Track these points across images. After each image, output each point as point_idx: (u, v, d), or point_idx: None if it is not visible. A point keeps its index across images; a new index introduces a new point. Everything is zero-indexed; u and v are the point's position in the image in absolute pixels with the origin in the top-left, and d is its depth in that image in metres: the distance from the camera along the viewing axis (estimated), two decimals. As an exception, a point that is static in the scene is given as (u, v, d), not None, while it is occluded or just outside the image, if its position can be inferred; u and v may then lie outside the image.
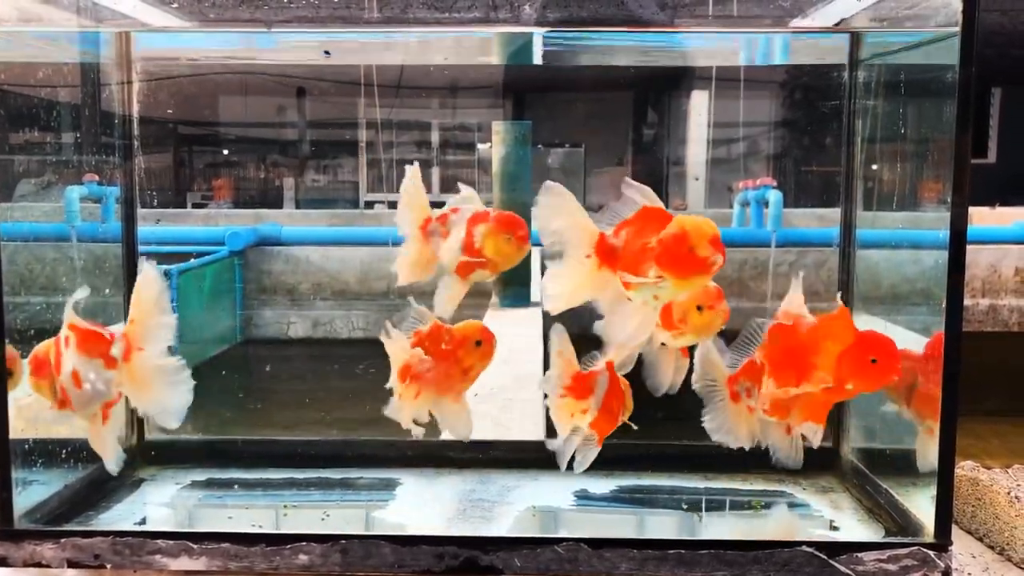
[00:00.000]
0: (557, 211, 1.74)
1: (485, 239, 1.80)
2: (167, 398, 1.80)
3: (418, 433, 1.91)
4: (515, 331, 5.33)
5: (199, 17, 1.92)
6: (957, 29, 1.62)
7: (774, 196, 8.51)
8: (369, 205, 13.95)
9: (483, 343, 1.90)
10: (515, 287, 6.66)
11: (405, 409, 1.89)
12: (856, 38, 2.20)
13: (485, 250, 1.80)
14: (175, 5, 1.87)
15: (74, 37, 2.11)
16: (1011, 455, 5.95)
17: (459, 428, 1.93)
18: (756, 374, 1.85)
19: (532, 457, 2.34)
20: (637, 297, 1.68)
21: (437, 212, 1.87)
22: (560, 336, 1.89)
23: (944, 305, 1.67)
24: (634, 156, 15.13)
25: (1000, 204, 9.26)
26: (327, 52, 2.12)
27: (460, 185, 1.89)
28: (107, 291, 2.29)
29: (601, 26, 1.95)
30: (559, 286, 1.74)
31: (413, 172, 1.86)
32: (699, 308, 1.86)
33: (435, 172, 15.26)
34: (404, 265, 1.89)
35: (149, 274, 1.78)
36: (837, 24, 2.11)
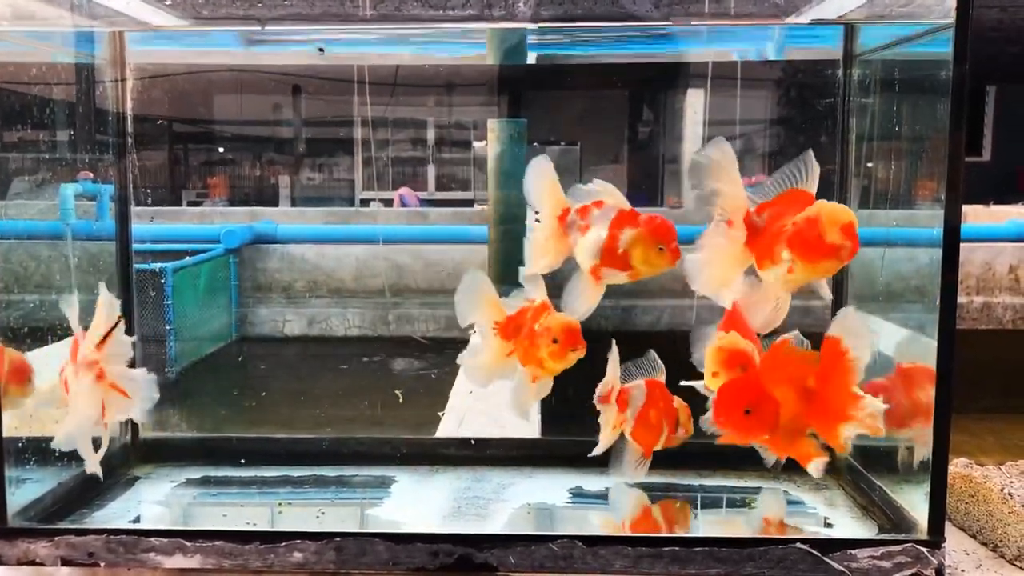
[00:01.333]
0: (719, 172, 1.66)
1: (633, 246, 1.69)
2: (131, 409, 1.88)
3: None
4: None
5: (193, 14, 1.91)
6: (951, 22, 1.62)
7: (769, 194, 8.50)
8: (365, 203, 13.94)
9: (559, 344, 1.81)
10: (511, 285, 6.66)
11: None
12: (850, 34, 2.20)
13: (632, 257, 1.69)
14: (168, 2, 1.87)
15: (68, 35, 2.11)
16: (1005, 452, 5.96)
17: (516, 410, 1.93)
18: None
19: (527, 455, 2.34)
20: (768, 278, 1.64)
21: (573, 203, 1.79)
22: (614, 347, 1.90)
23: (938, 302, 1.67)
24: (630, 154, 15.14)
25: (995, 202, 9.29)
26: (321, 49, 2.11)
27: (596, 181, 1.78)
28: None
29: (595, 23, 1.95)
30: (709, 269, 1.68)
31: (543, 159, 1.78)
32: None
33: (430, 170, 15.25)
34: (535, 253, 1.81)
35: (104, 298, 1.84)
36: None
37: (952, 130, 1.66)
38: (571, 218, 1.77)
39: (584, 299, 1.78)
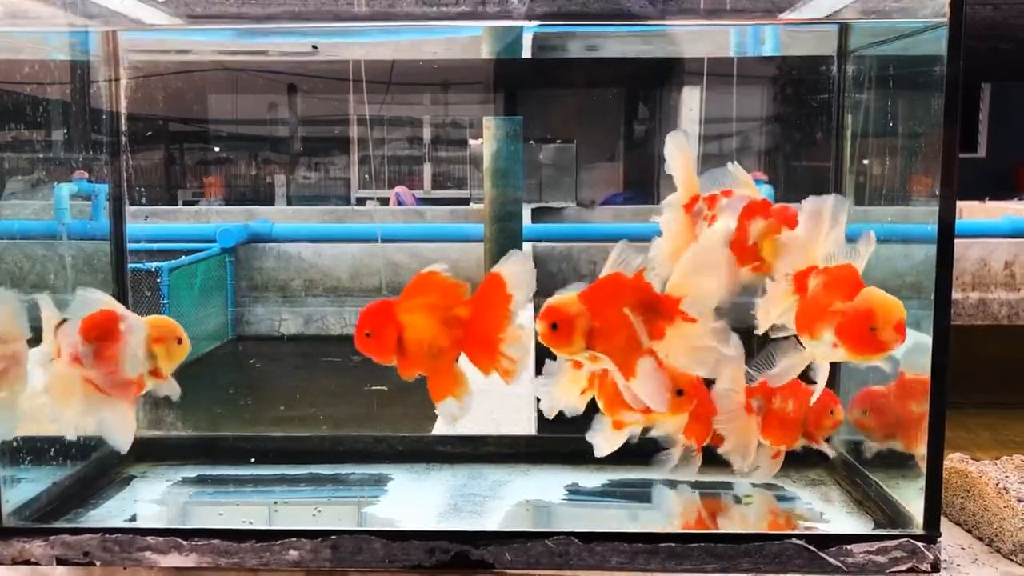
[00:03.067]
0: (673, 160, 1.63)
1: (764, 237, 1.61)
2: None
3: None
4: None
5: (186, 12, 1.91)
6: (945, 20, 1.63)
7: (764, 191, 8.51)
8: (360, 202, 13.93)
9: (685, 395, 1.70)
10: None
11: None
12: (845, 30, 2.20)
13: (762, 249, 1.61)
14: (161, 0, 1.86)
15: (61, 33, 2.10)
16: (1000, 447, 5.98)
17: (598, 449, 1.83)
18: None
19: (523, 452, 2.34)
20: (809, 348, 1.64)
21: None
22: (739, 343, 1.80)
23: (933, 298, 1.67)
24: (625, 151, 15.15)
25: (990, 198, 9.32)
26: (315, 46, 2.11)
27: (730, 164, 1.68)
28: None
29: (590, 20, 1.95)
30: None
31: (680, 134, 1.67)
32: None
33: (426, 168, 15.25)
34: (663, 244, 1.73)
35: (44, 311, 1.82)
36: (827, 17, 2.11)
37: (946, 126, 1.66)
38: (698, 207, 1.68)
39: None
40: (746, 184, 1.70)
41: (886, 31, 2.08)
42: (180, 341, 1.85)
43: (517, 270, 1.72)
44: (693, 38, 2.41)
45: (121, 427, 1.87)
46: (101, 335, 1.80)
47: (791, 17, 2.08)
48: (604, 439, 1.83)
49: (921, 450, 1.78)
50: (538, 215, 10.79)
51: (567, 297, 1.68)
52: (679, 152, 1.74)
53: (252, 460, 2.29)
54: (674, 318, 1.66)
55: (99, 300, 1.83)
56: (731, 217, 1.62)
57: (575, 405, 1.80)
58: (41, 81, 2.10)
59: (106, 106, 2.23)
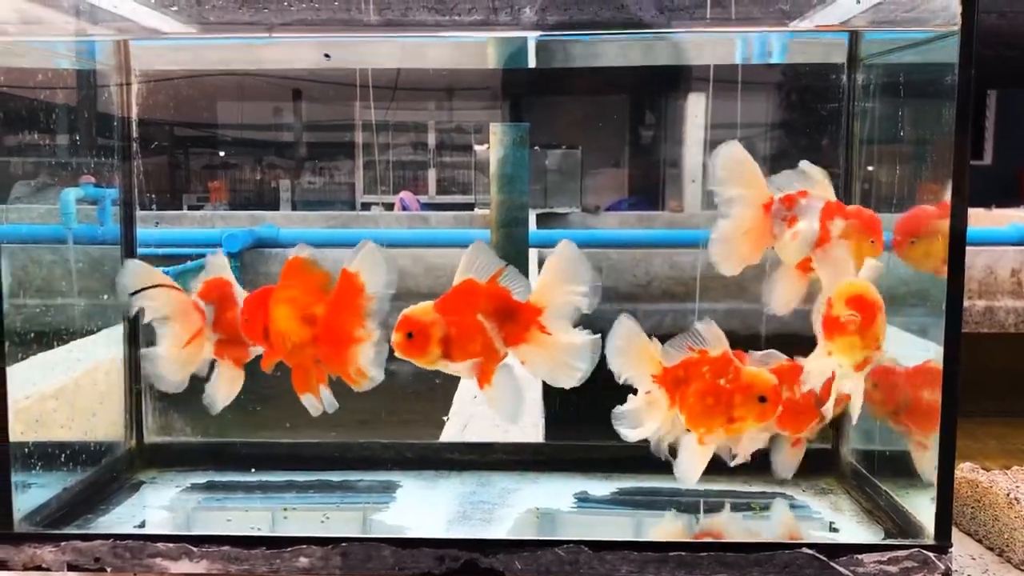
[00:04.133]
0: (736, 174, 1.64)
1: (846, 238, 1.61)
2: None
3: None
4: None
5: (199, 21, 1.92)
6: (956, 29, 1.63)
7: (771, 197, 8.48)
8: (366, 207, 13.93)
9: (768, 402, 1.65)
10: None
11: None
12: (855, 39, 2.20)
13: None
14: (175, 8, 1.87)
15: (74, 41, 2.11)
16: (1008, 456, 5.96)
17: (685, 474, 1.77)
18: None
19: (531, 459, 2.34)
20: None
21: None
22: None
23: (944, 306, 1.67)
24: (631, 158, 15.15)
25: (996, 206, 9.29)
26: (327, 55, 2.12)
27: (804, 163, 1.67)
28: (105, 296, 2.29)
29: (601, 29, 1.95)
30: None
31: (734, 144, 1.65)
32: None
33: (431, 174, 15.26)
34: (730, 248, 1.68)
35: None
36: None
37: (958, 134, 1.66)
38: (776, 208, 1.65)
39: (788, 295, 1.69)
40: (821, 185, 1.68)
41: (896, 39, 2.09)
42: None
43: (369, 264, 1.70)
44: (702, 46, 2.42)
45: (226, 389, 1.89)
46: (220, 298, 1.83)
47: (802, 25, 2.09)
48: (691, 457, 1.75)
49: (917, 437, 1.77)
50: (543, 221, 10.78)
51: (422, 306, 1.68)
52: (743, 158, 1.71)
53: (252, 470, 2.29)
54: (530, 327, 1.67)
55: (224, 265, 1.88)
56: (813, 218, 1.62)
57: (658, 429, 1.76)
58: (53, 86, 2.11)
59: (118, 112, 2.23)
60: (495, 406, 1.73)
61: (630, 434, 1.77)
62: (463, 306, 1.66)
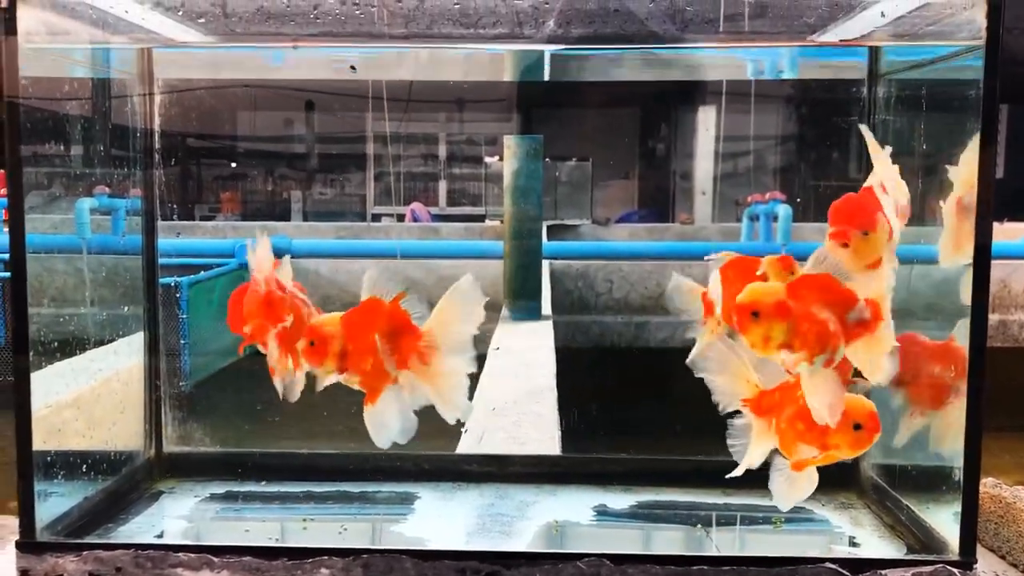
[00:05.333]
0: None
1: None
2: None
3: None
4: (527, 344, 5.33)
5: (224, 32, 1.93)
6: (981, 43, 1.63)
7: (783, 210, 8.51)
8: (376, 218, 13.98)
9: (864, 431, 1.59)
10: (526, 300, 6.65)
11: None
12: (875, 53, 2.20)
13: None
14: (201, 20, 1.88)
15: (100, 52, 2.13)
16: (1022, 470, 5.92)
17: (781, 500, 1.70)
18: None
19: (548, 472, 2.34)
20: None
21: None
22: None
23: (969, 320, 1.67)
24: (640, 169, 15.17)
25: (1008, 219, 9.25)
26: (353, 67, 2.13)
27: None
28: (124, 305, 2.30)
29: (624, 43, 1.96)
30: None
31: (886, 155, 1.65)
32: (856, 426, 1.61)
33: (442, 185, 15.31)
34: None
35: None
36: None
37: (982, 149, 1.66)
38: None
39: None
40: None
41: (919, 53, 2.09)
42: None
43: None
44: (718, 61, 2.42)
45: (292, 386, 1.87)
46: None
47: (822, 39, 2.09)
48: (786, 483, 1.68)
49: (920, 413, 1.76)
50: (553, 232, 10.81)
51: (328, 317, 1.75)
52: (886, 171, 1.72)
53: (264, 481, 2.29)
54: (413, 353, 1.72)
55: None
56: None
57: (763, 454, 1.71)
58: (77, 97, 2.12)
59: (140, 123, 2.25)
60: (371, 426, 1.76)
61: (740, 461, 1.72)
62: (363, 323, 1.72)
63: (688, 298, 1.89)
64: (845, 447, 1.60)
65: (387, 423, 1.76)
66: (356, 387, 1.76)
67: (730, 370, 1.69)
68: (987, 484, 2.02)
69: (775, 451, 1.68)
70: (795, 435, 1.62)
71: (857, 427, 1.58)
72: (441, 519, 2.11)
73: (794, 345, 1.56)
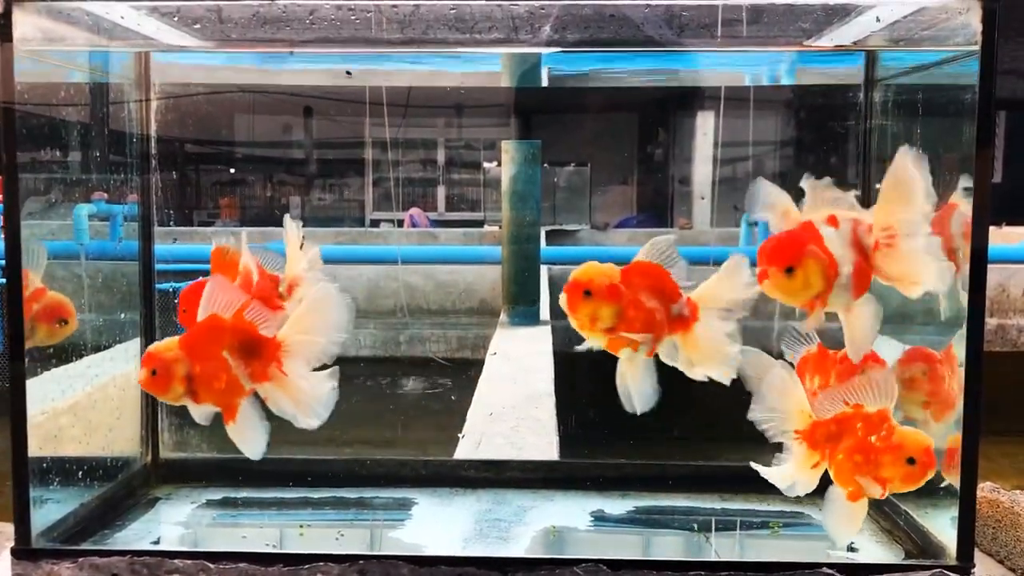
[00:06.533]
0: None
1: None
2: None
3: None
4: (525, 349, 5.32)
5: (220, 38, 1.93)
6: (977, 48, 1.63)
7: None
8: (375, 224, 13.97)
9: (918, 465, 1.57)
10: (524, 305, 6.64)
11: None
12: (872, 58, 2.20)
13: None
14: (197, 26, 1.88)
15: (96, 57, 2.13)
16: (1020, 475, 5.91)
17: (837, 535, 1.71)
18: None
19: (546, 477, 2.33)
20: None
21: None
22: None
23: (966, 323, 1.66)
24: (639, 174, 15.17)
25: (1007, 223, 9.25)
26: (349, 72, 2.13)
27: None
28: (120, 311, 2.29)
29: (620, 48, 1.96)
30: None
31: (913, 154, 1.57)
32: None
33: (440, 190, 15.31)
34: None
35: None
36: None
37: (978, 153, 1.66)
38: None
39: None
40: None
41: (915, 58, 2.09)
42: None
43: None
44: (714, 66, 2.42)
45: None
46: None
47: (818, 44, 2.09)
48: (841, 515, 1.66)
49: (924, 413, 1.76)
50: (552, 237, 10.80)
51: (166, 342, 1.67)
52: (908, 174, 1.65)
53: (253, 481, 2.28)
54: (272, 362, 1.68)
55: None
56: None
57: (809, 481, 1.69)
58: (74, 103, 2.12)
59: (137, 128, 2.25)
60: (238, 441, 1.73)
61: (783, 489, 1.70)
62: (207, 342, 1.66)
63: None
64: (898, 481, 1.59)
65: (254, 435, 1.72)
66: (212, 409, 1.71)
67: (792, 399, 1.66)
68: (984, 488, 2.02)
69: (829, 482, 1.66)
70: (852, 467, 1.61)
71: (911, 461, 1.57)
72: (438, 525, 2.11)
73: (618, 328, 1.60)
